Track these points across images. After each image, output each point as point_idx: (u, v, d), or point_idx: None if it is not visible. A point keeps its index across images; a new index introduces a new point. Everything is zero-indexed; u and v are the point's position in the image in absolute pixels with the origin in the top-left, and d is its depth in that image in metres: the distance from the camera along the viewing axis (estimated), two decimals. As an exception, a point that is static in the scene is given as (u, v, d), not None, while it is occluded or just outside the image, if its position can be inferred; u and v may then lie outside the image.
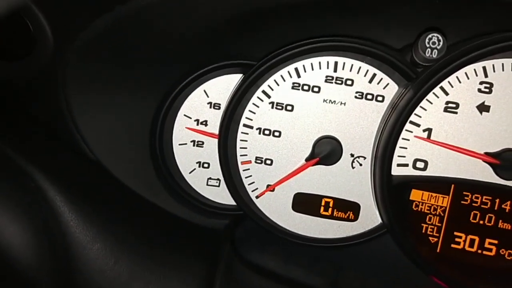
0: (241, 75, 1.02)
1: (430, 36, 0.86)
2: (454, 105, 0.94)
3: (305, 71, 0.98)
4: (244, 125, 1.02)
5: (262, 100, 1.00)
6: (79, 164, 0.97)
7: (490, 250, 1.00)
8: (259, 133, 1.02)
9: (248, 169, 1.04)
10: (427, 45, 0.87)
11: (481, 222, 0.99)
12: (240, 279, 1.02)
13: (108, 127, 0.99)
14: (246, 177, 1.04)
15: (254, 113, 1.01)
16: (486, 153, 0.94)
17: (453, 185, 0.98)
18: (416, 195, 1.01)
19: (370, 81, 0.97)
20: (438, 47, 0.87)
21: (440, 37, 0.86)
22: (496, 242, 1.00)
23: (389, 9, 0.91)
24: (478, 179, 0.96)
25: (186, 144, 1.07)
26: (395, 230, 0.98)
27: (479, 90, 0.93)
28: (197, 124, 1.06)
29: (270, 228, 1.06)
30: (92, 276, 0.89)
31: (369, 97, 0.98)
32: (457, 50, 0.89)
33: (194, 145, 1.07)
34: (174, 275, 0.95)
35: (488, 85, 0.92)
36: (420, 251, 1.01)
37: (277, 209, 1.06)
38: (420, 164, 0.97)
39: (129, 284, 0.91)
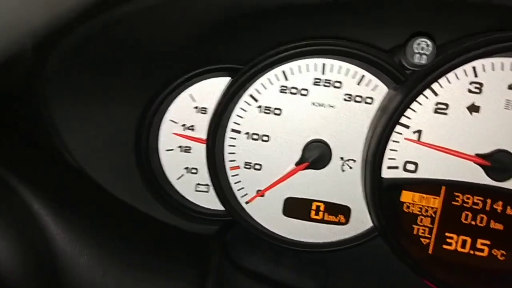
0: (228, 78, 1.00)
1: (418, 41, 0.85)
2: (444, 106, 0.93)
3: (292, 74, 0.97)
4: (232, 130, 1.00)
5: (249, 104, 0.98)
6: (63, 175, 0.96)
7: (482, 250, 1.00)
8: (247, 138, 1.00)
9: (237, 174, 1.02)
10: (416, 51, 0.86)
11: (473, 222, 0.99)
12: (232, 284, 1.01)
13: (92, 136, 0.97)
14: (235, 183, 1.03)
15: (242, 117, 0.99)
16: (477, 155, 0.93)
17: (443, 187, 0.98)
18: (407, 196, 1.00)
19: (359, 83, 0.96)
20: (427, 52, 0.86)
21: (429, 42, 0.85)
22: (488, 242, 0.99)
23: (377, 9, 0.89)
24: (469, 181, 0.95)
25: (173, 150, 1.06)
26: (387, 232, 0.97)
27: (469, 91, 0.92)
28: (184, 129, 1.05)
29: (260, 234, 1.05)
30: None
31: (358, 99, 0.97)
32: (447, 51, 0.88)
33: (181, 151, 1.06)
34: (164, 283, 0.94)
35: (478, 85, 0.91)
36: (412, 253, 1.00)
37: (268, 214, 1.05)
38: (410, 166, 0.96)
39: None
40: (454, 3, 0.86)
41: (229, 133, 1.00)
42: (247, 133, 1.00)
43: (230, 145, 1.01)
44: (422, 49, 0.85)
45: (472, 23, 0.90)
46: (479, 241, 1.00)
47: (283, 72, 0.97)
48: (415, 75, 0.89)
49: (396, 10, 0.88)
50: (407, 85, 0.91)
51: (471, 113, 0.93)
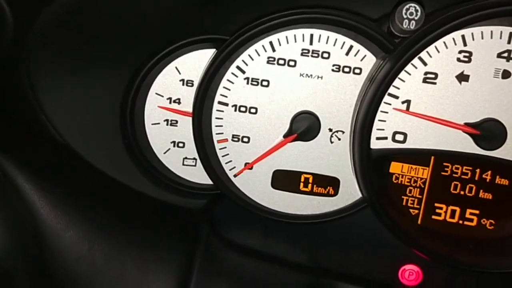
0: (214, 50, 0.99)
1: (407, 6, 0.85)
2: (433, 76, 0.93)
3: (280, 45, 0.96)
4: (219, 102, 1.00)
5: (236, 76, 0.98)
6: (48, 149, 0.95)
7: (472, 220, 1.02)
8: (235, 110, 1.00)
9: (225, 147, 1.02)
10: (404, 16, 0.85)
11: (462, 192, 1.00)
12: (220, 257, 1.03)
13: (77, 109, 0.97)
14: (223, 156, 1.03)
15: (229, 89, 0.99)
16: (466, 124, 0.94)
17: (433, 157, 0.99)
18: (395, 167, 1.01)
19: (347, 54, 0.96)
20: (416, 18, 0.85)
21: (417, 7, 0.85)
22: (477, 212, 1.01)
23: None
24: (458, 150, 0.97)
25: (159, 123, 1.05)
26: (376, 203, 0.98)
27: (458, 60, 0.92)
28: (170, 103, 1.04)
29: (249, 207, 1.06)
30: (68, 264, 0.87)
31: (347, 69, 0.97)
32: (435, 19, 0.87)
33: (167, 124, 1.05)
34: (152, 256, 0.95)
35: (467, 54, 0.91)
36: (401, 224, 1.01)
37: (256, 187, 1.05)
38: (399, 137, 0.97)
39: (106, 269, 0.90)
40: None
41: (216, 106, 1.00)
42: (234, 106, 1.00)
43: (217, 118, 1.01)
44: (411, 15, 0.85)
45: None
46: (468, 211, 1.01)
47: (271, 43, 0.96)
48: (403, 43, 0.89)
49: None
50: (395, 54, 0.90)
51: (460, 82, 0.93)
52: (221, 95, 0.99)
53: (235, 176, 1.04)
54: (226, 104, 0.99)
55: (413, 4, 0.84)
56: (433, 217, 1.02)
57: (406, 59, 0.89)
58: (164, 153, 1.07)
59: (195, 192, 1.09)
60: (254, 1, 0.93)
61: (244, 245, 1.07)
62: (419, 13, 0.85)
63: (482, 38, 0.90)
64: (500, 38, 0.90)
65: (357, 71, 0.96)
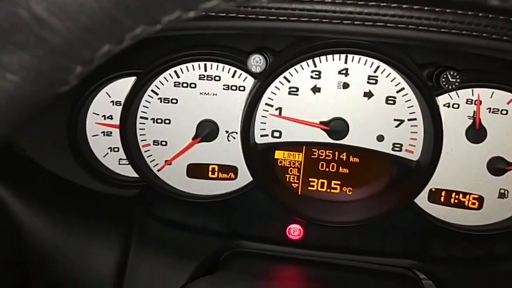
0: (134, 78, 1.28)
1: (254, 57, 1.16)
2: (295, 89, 1.25)
3: (182, 73, 1.25)
4: (141, 117, 1.29)
5: (152, 97, 1.28)
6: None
7: (336, 188, 1.34)
8: (153, 122, 1.29)
9: (149, 150, 1.32)
10: (253, 64, 1.16)
11: (327, 169, 1.32)
12: (152, 232, 1.28)
13: (31, 128, 1.22)
14: (147, 156, 1.32)
15: (147, 107, 1.28)
16: (321, 122, 1.26)
17: (304, 146, 1.30)
18: (278, 154, 1.32)
19: (233, 76, 1.26)
20: (261, 64, 1.17)
21: (260, 58, 1.16)
22: (339, 182, 1.33)
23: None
24: (319, 141, 1.28)
25: (98, 135, 1.33)
26: (261, 184, 1.29)
27: (312, 77, 1.24)
28: (105, 119, 1.32)
29: (171, 193, 1.34)
30: (36, 239, 1.15)
31: (234, 88, 1.27)
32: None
33: (104, 135, 1.33)
34: (101, 237, 1.21)
35: (317, 73, 1.24)
36: (284, 197, 1.32)
37: (175, 177, 1.34)
38: (276, 134, 1.29)
39: (66, 248, 1.18)
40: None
41: (139, 120, 1.29)
42: (152, 119, 1.29)
43: (140, 128, 1.30)
44: (257, 62, 1.16)
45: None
46: (333, 182, 1.32)
47: (175, 72, 1.26)
48: (265, 72, 1.20)
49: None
50: (261, 77, 1.21)
51: (314, 93, 1.25)
52: (142, 111, 1.27)
53: (158, 170, 1.33)
54: (146, 118, 1.29)
55: (258, 56, 1.15)
56: (309, 188, 1.32)
57: (269, 80, 1.20)
58: (104, 156, 1.34)
59: (129, 184, 1.35)
60: (161, 43, 1.23)
61: (172, 220, 1.33)
62: (262, 61, 1.16)
63: (327, 60, 1.23)
64: (339, 60, 1.23)
65: (242, 88, 1.25)
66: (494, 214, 1.25)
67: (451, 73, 1.10)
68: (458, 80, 1.10)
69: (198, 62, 1.24)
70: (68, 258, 1.15)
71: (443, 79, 1.11)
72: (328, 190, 1.34)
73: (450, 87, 1.11)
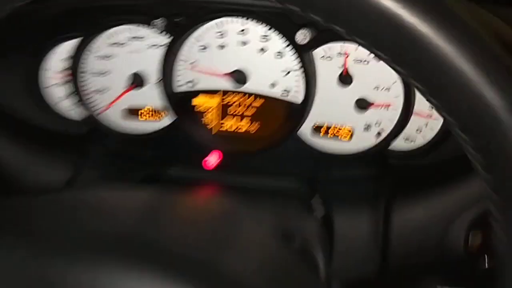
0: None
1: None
2: (203, 47, 1.60)
3: (113, 36, 1.59)
4: (83, 72, 1.63)
5: (91, 55, 1.61)
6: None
7: (243, 127, 1.64)
8: (93, 76, 1.64)
9: (91, 97, 1.67)
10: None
11: (237, 111, 1.59)
12: (101, 161, 1.63)
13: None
14: (90, 103, 1.67)
15: (87, 63, 1.62)
16: (225, 74, 1.58)
17: (218, 92, 1.61)
18: (196, 101, 1.66)
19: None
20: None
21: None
22: (248, 120, 1.57)
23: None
24: (226, 89, 1.59)
25: (50, 86, 1.67)
26: (182, 125, 1.63)
27: (217, 37, 1.58)
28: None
29: (110, 132, 1.68)
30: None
31: (155, 45, 1.61)
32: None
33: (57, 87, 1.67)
34: (52, 156, 1.59)
35: (221, 33, 1.57)
36: (202, 135, 1.63)
37: (113, 120, 1.70)
38: (189, 84, 1.60)
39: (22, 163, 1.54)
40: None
41: (83, 74, 1.64)
42: (92, 73, 1.64)
43: (83, 81, 1.64)
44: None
45: None
46: (243, 120, 1.58)
47: (109, 34, 1.59)
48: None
49: None
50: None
51: (220, 50, 1.59)
52: (83, 67, 1.63)
53: (98, 114, 1.66)
54: (87, 72, 1.63)
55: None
56: (221, 128, 1.62)
57: (181, 40, 1.54)
58: (55, 104, 1.70)
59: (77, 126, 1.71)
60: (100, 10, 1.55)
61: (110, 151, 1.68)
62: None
63: (228, 23, 1.57)
64: (238, 22, 1.57)
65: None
66: (361, 144, 1.61)
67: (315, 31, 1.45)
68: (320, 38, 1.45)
69: (129, 26, 1.56)
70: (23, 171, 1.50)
71: (310, 37, 1.45)
72: (239, 128, 1.65)
73: (315, 44, 1.46)
